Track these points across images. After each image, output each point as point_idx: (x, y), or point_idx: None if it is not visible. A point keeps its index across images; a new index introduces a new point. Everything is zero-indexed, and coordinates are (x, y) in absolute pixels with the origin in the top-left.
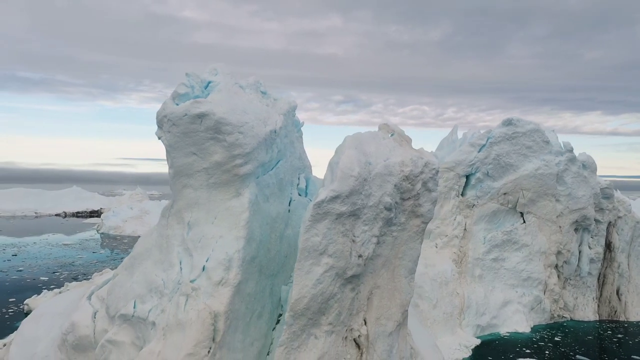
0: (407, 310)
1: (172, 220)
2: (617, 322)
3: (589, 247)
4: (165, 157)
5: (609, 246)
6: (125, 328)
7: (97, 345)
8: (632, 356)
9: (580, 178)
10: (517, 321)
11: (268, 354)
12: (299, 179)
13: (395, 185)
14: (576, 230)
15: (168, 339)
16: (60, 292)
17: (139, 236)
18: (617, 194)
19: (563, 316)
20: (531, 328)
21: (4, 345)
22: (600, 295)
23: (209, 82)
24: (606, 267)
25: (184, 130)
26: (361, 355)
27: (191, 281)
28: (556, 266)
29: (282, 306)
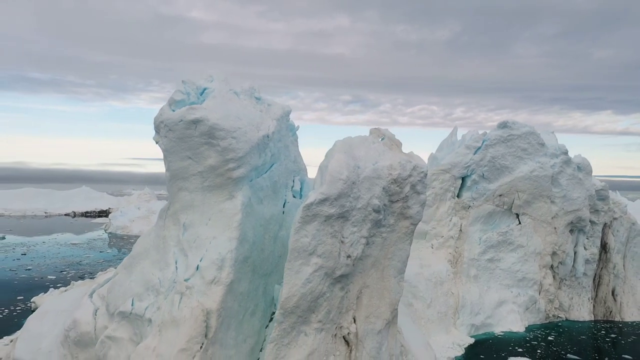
0: (396, 309)
1: (168, 222)
2: (612, 322)
3: (585, 248)
4: None
5: (604, 247)
6: (124, 325)
7: (97, 341)
8: (624, 355)
9: (575, 180)
10: (511, 321)
11: (261, 351)
12: (293, 181)
13: (383, 188)
14: (571, 231)
15: (163, 335)
16: (65, 291)
17: None
18: (614, 195)
19: (558, 316)
20: (526, 328)
21: (11, 341)
22: (596, 295)
23: (205, 89)
24: (602, 268)
25: (180, 136)
26: (350, 352)
27: (185, 280)
28: (551, 267)
29: (275, 304)
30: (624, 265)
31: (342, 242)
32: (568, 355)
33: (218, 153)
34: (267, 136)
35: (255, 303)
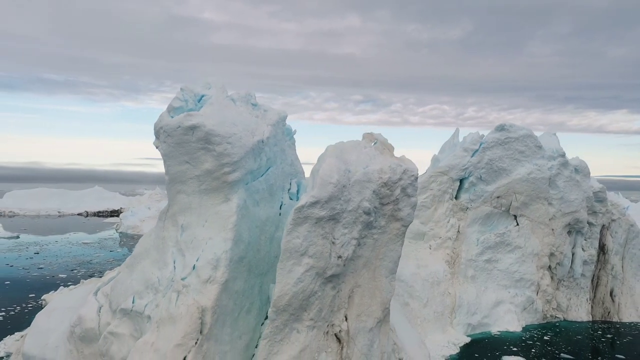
0: (387, 308)
1: (167, 223)
2: (610, 322)
3: (582, 250)
4: None
5: (602, 248)
6: (125, 321)
7: (101, 336)
8: (617, 355)
9: (573, 182)
10: (508, 321)
11: (256, 347)
12: (290, 183)
13: (374, 191)
14: (569, 233)
15: (161, 331)
16: (74, 288)
17: None
18: (612, 196)
19: (556, 316)
20: (523, 327)
21: (22, 336)
22: (594, 296)
23: (202, 96)
24: (600, 269)
25: (178, 141)
26: (342, 349)
27: (182, 279)
28: (549, 268)
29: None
30: (622, 267)
31: (333, 243)
32: (562, 354)
33: (214, 158)
34: (262, 141)
35: (251, 301)
